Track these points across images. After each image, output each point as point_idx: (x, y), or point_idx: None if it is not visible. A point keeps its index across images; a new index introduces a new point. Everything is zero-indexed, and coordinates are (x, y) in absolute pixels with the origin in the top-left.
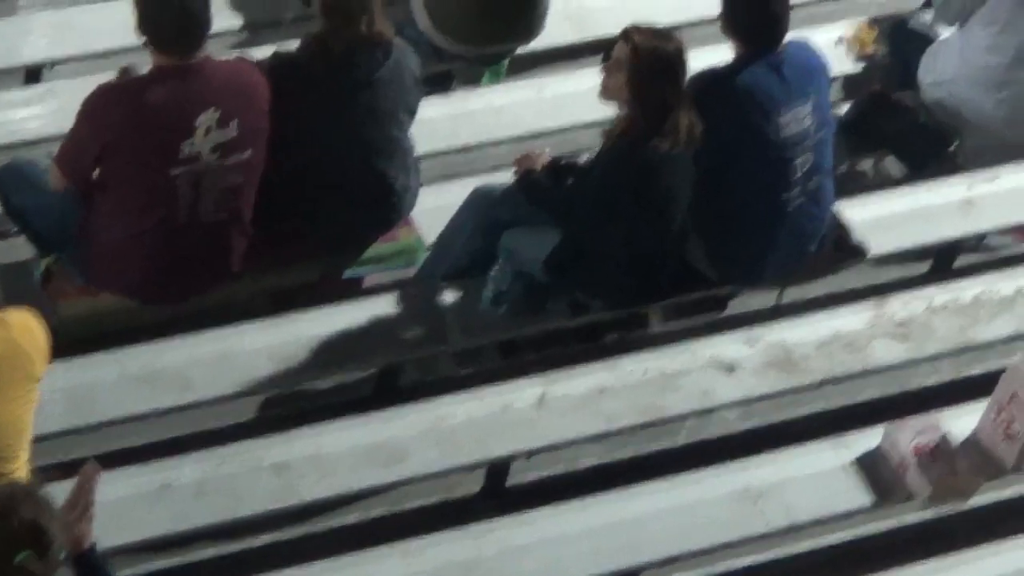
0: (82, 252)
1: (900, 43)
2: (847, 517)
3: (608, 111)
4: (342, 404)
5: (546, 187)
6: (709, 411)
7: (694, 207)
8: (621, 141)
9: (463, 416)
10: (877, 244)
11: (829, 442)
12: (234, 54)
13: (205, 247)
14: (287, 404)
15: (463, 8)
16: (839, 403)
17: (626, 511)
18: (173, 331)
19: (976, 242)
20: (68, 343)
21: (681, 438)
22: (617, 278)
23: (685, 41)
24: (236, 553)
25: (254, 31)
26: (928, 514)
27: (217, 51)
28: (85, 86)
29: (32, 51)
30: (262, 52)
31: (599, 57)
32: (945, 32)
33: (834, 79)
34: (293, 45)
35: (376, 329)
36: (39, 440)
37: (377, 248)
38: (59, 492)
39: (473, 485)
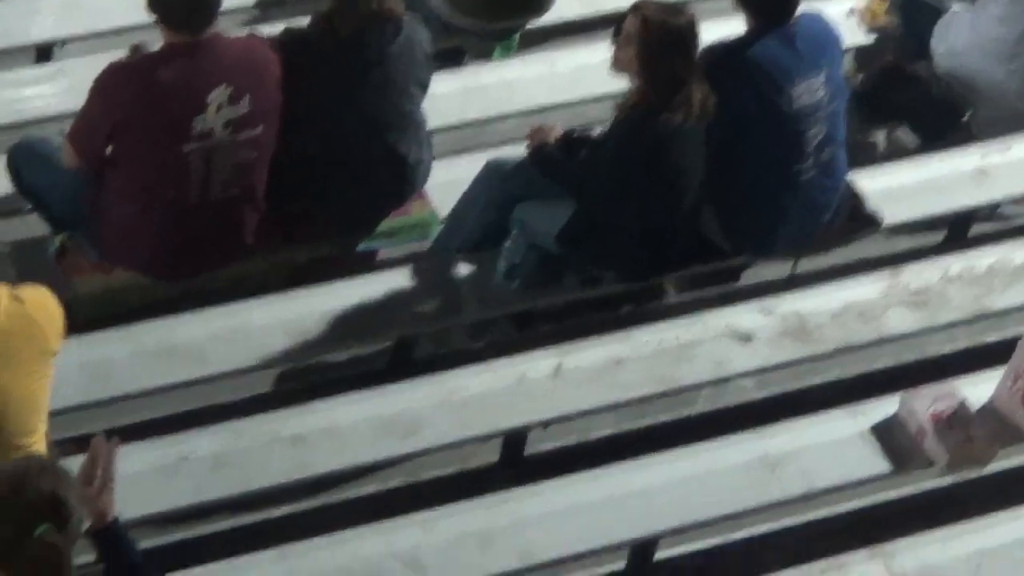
0: (95, 229)
1: (912, 14)
2: (864, 484)
3: (620, 84)
4: (357, 377)
5: (559, 160)
6: (725, 380)
7: (707, 179)
8: (633, 114)
9: (478, 387)
10: (891, 214)
11: (846, 410)
12: (245, 31)
13: (217, 223)
14: (302, 377)
15: None
16: (855, 371)
17: (642, 480)
18: (188, 306)
19: (990, 211)
20: (83, 319)
21: (697, 408)
22: (630, 251)
23: (697, 14)
24: (253, 525)
25: (264, 8)
26: (944, 481)
27: (228, 28)
28: (96, 64)
29: (42, 29)
30: (273, 29)
31: (610, 31)
32: (957, 3)
33: (846, 51)
34: (304, 22)
35: (390, 302)
36: (56, 414)
37: (391, 222)
38: (76, 466)
39: (489, 456)
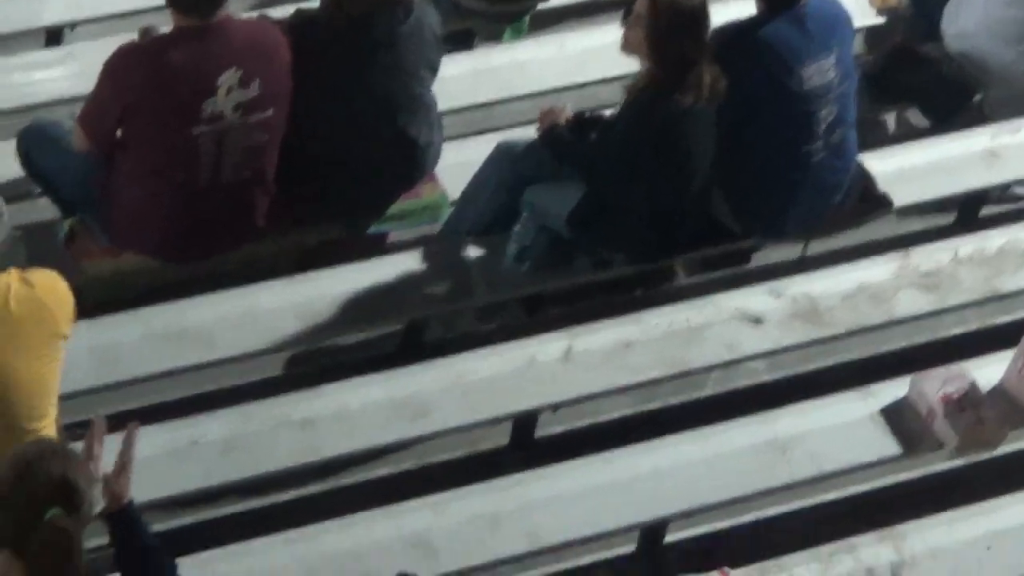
0: (105, 212)
1: None
2: (874, 467)
3: (630, 66)
4: (367, 360)
5: (569, 142)
6: (735, 363)
7: (717, 161)
8: (642, 96)
9: (488, 371)
10: (902, 196)
11: (856, 393)
12: (255, 14)
13: (228, 206)
14: (312, 361)
15: None
16: (865, 354)
17: (652, 463)
18: (198, 289)
19: (1001, 193)
20: (93, 302)
21: (707, 391)
22: (640, 233)
23: None
24: (263, 509)
25: None
26: (954, 463)
27: (238, 11)
28: (106, 47)
29: (52, 13)
30: (283, 12)
31: (620, 12)
32: None
33: (857, 31)
34: (314, 4)
35: (400, 286)
36: (66, 398)
37: (401, 204)
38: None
39: (499, 439)
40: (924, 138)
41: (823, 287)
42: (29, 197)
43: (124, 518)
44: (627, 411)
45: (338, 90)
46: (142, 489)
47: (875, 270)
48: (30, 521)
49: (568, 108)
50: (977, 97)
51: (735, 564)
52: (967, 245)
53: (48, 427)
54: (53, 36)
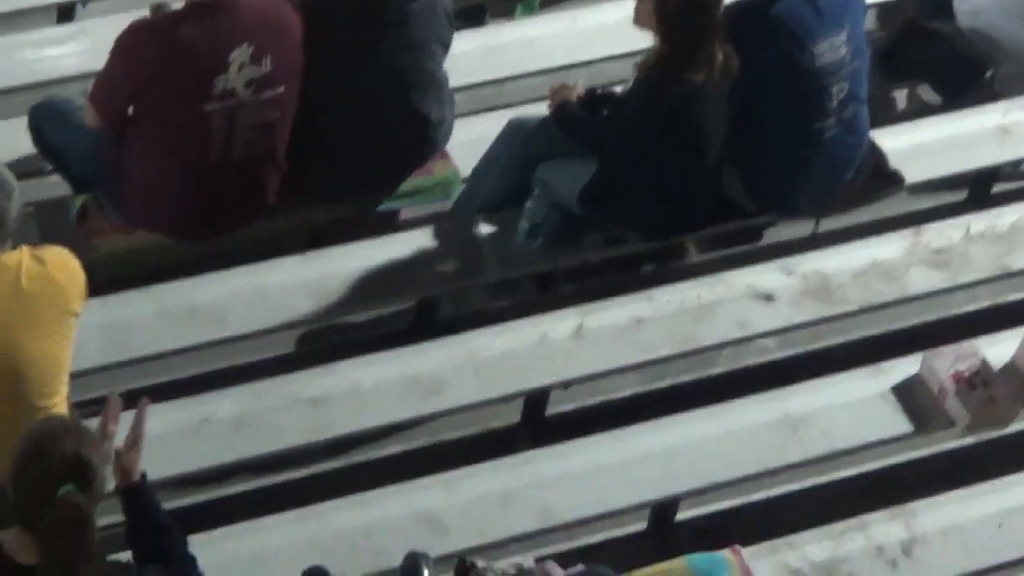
0: (116, 190)
1: None
2: (885, 444)
3: (642, 42)
4: (379, 338)
5: (581, 119)
6: (746, 340)
7: (729, 138)
8: (652, 74)
9: (500, 348)
10: (913, 173)
11: (867, 370)
12: None
13: (239, 183)
14: (324, 338)
15: None
16: (877, 331)
17: (663, 441)
18: (209, 267)
19: (1012, 169)
20: (104, 280)
21: (718, 368)
22: (652, 210)
23: None
24: (274, 486)
25: None
26: (965, 441)
27: None
28: (118, 24)
29: None
30: None
31: None
32: None
33: (869, 7)
34: None
35: (412, 263)
36: (77, 376)
37: (413, 181)
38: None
39: (510, 416)
40: (936, 115)
41: (835, 264)
42: (41, 174)
43: (135, 494)
44: (638, 388)
45: (350, 67)
46: (154, 466)
47: (887, 247)
48: (43, 498)
49: (580, 85)
50: (989, 73)
51: (746, 542)
52: (979, 222)
53: (59, 405)
54: (65, 12)
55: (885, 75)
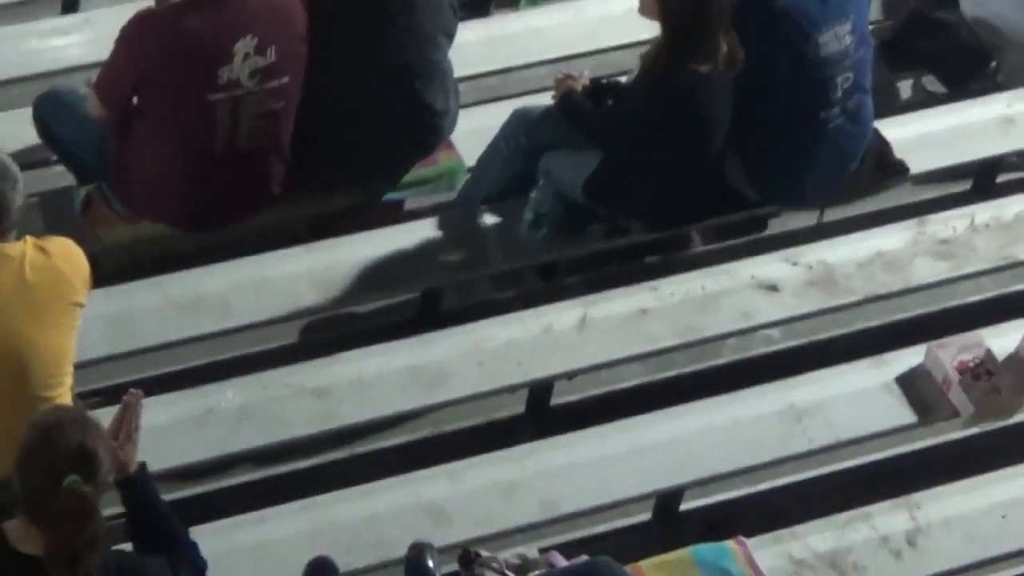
0: (121, 180)
1: None
2: (889, 435)
3: (647, 32)
4: (383, 328)
5: (585, 108)
6: (750, 331)
7: (734, 128)
8: (656, 65)
9: (504, 338)
10: (918, 163)
11: (871, 360)
12: None
13: (244, 174)
14: (328, 329)
15: None
16: (881, 321)
17: (668, 432)
18: (214, 257)
19: (1017, 159)
20: (109, 271)
21: (722, 358)
22: (656, 201)
23: None
24: (278, 477)
25: None
26: (969, 431)
27: None
28: (122, 14)
29: None
30: None
31: None
32: None
33: None
34: None
35: (417, 253)
36: (82, 367)
37: (418, 171)
38: (103, 418)
39: (515, 407)
40: (940, 105)
41: (839, 255)
42: (45, 164)
43: (132, 486)
44: (643, 379)
45: (354, 57)
46: (158, 457)
47: (891, 237)
48: (48, 488)
49: (584, 74)
50: (993, 63)
51: (750, 532)
52: (983, 212)
53: (64, 395)
54: (70, 2)
55: (889, 65)
